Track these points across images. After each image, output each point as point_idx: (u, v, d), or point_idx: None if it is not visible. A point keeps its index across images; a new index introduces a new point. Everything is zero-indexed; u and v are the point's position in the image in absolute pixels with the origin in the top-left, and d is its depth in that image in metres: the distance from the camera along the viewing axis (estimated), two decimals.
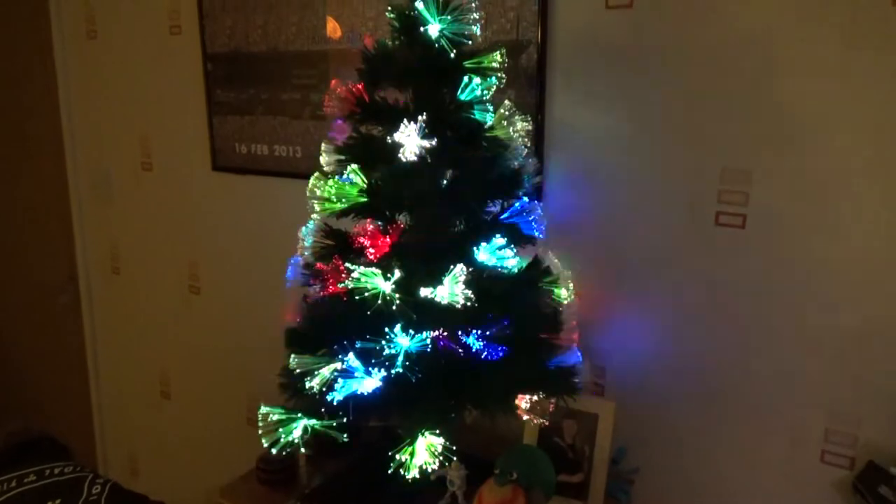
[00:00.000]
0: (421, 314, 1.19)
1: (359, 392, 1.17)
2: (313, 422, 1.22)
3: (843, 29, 1.26)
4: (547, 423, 1.34)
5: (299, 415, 1.22)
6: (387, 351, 1.17)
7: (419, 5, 1.20)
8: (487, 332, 1.21)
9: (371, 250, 1.25)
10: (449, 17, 1.21)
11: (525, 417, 1.29)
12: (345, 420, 1.21)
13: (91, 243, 2.72)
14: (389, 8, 1.27)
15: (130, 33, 2.33)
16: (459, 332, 1.21)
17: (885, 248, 1.29)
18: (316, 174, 1.31)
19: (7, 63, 2.78)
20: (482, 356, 1.22)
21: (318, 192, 1.28)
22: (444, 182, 1.27)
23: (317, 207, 1.29)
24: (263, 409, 1.23)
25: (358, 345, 1.19)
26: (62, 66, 2.57)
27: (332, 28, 1.85)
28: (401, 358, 1.16)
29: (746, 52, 1.35)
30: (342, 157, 1.30)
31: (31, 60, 2.66)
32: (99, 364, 2.85)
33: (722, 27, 1.37)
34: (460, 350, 1.19)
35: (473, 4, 1.23)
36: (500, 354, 1.23)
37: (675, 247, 1.50)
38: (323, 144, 1.33)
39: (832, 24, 1.27)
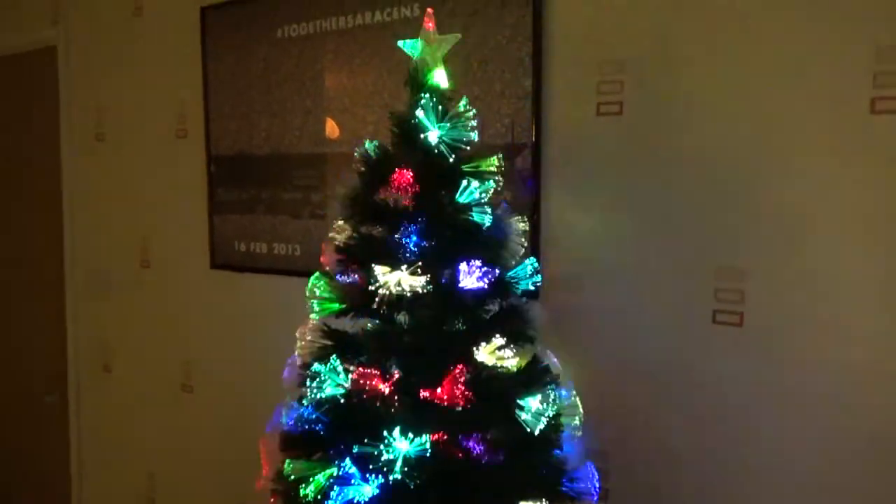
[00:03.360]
0: (420, 416, 1.16)
1: (355, 500, 1.13)
2: None
3: (826, 133, 1.31)
4: None
5: None
6: (385, 456, 1.14)
7: (419, 112, 1.26)
8: (488, 435, 1.18)
9: (369, 350, 1.24)
10: (447, 124, 1.26)
11: None
12: None
13: (84, 340, 2.69)
14: (390, 114, 1.32)
15: (138, 136, 2.41)
16: (459, 435, 1.18)
17: (886, 345, 1.29)
18: (316, 273, 1.32)
19: (15, 161, 2.85)
20: (482, 460, 1.19)
21: (318, 292, 1.29)
22: (444, 281, 1.28)
23: (316, 307, 1.29)
24: None
25: (355, 449, 1.15)
26: (68, 166, 2.63)
27: (331, 128, 1.92)
28: (399, 463, 1.13)
29: (735, 157, 1.40)
30: (342, 257, 1.31)
31: (39, 159, 2.73)
32: (83, 465, 2.74)
33: (709, 133, 1.43)
34: (460, 454, 1.16)
35: (471, 112, 1.28)
36: (501, 458, 1.20)
37: (673, 345, 1.49)
38: (324, 244, 1.34)
39: (816, 129, 1.32)
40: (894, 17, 1.25)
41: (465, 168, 1.28)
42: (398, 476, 1.13)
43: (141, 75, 2.38)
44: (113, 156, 2.50)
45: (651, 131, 1.49)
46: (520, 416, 1.23)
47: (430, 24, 1.31)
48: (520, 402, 1.23)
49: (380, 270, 1.23)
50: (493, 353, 1.25)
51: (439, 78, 1.31)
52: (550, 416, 1.27)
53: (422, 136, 1.26)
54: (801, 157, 1.34)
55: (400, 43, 1.34)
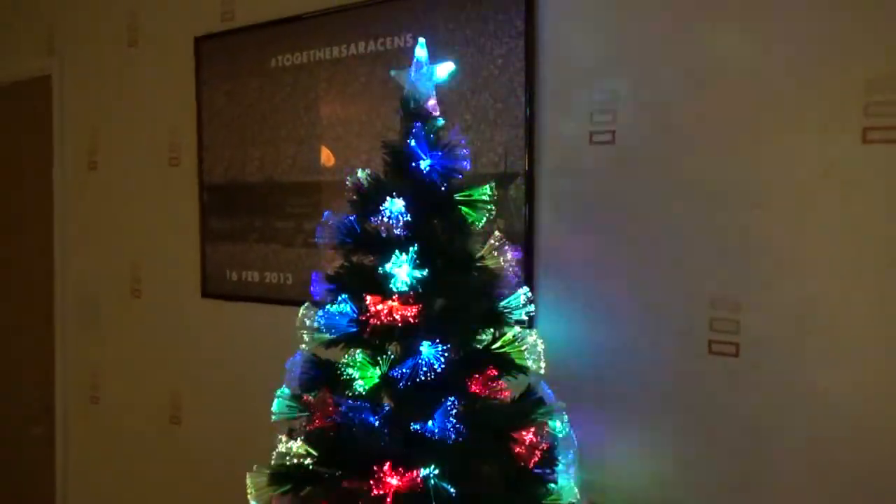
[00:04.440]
0: (412, 449, 1.14)
1: None
2: None
3: (819, 163, 1.31)
4: None
5: None
6: (375, 491, 1.11)
7: (411, 141, 1.25)
8: (481, 469, 1.15)
9: (360, 382, 1.21)
10: (440, 153, 1.26)
11: None
12: None
13: (72, 371, 2.64)
14: (383, 143, 1.32)
15: (131, 165, 2.40)
16: (451, 469, 1.16)
17: (879, 375, 1.27)
18: (306, 303, 1.30)
19: (7, 188, 2.84)
20: (476, 495, 1.16)
21: (308, 322, 1.27)
22: (435, 311, 1.26)
23: (306, 337, 1.27)
24: None
25: (345, 484, 1.12)
26: (60, 195, 2.62)
27: (326, 156, 1.91)
28: (390, 499, 1.10)
29: (728, 185, 1.40)
30: (332, 287, 1.30)
31: (32, 187, 2.72)
32: (68, 499, 2.68)
33: (702, 163, 1.42)
34: (453, 490, 1.13)
35: (463, 140, 1.28)
36: (494, 493, 1.17)
37: (669, 376, 1.47)
38: (315, 273, 1.33)
39: (810, 158, 1.32)
40: (883, 49, 1.26)
41: (458, 197, 1.28)
42: None
43: (135, 104, 2.38)
44: (105, 184, 2.49)
45: (644, 160, 1.49)
46: (514, 450, 1.20)
47: (422, 54, 1.31)
48: (514, 434, 1.21)
49: (371, 300, 1.21)
50: (487, 385, 1.23)
51: (432, 107, 1.31)
52: (545, 449, 1.25)
53: (414, 164, 1.25)
54: (795, 186, 1.34)
55: (393, 72, 1.34)
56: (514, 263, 1.31)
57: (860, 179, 1.28)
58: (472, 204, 1.28)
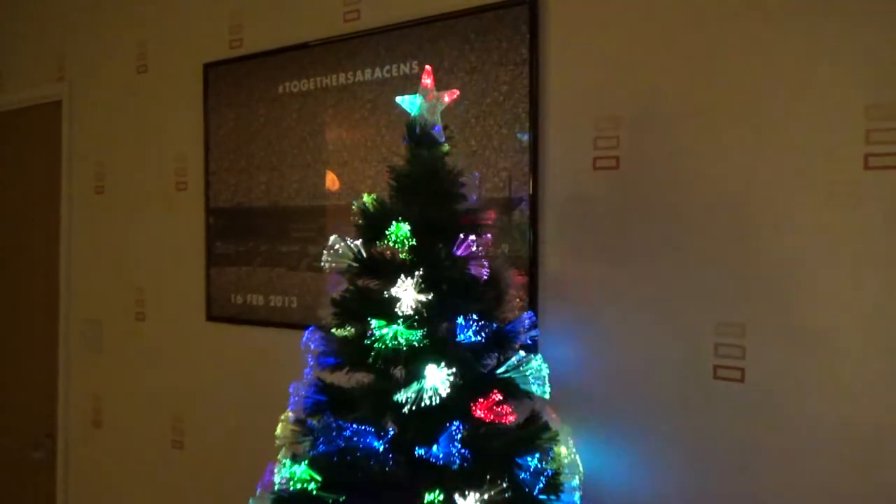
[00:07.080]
0: (416, 475, 1.13)
1: None
2: None
3: (821, 189, 1.32)
4: None
5: None
6: None
7: (417, 166, 1.26)
8: (485, 495, 1.15)
9: (364, 407, 1.21)
10: (445, 178, 1.27)
11: None
12: None
13: (74, 394, 2.64)
14: (388, 167, 1.33)
15: (137, 188, 2.43)
16: (456, 496, 1.15)
17: (885, 399, 1.26)
18: (311, 327, 1.30)
19: (14, 212, 2.86)
20: None
21: (313, 346, 1.27)
22: (440, 336, 1.26)
23: (311, 361, 1.27)
24: None
25: None
26: (67, 219, 2.64)
27: (331, 180, 1.93)
28: None
29: (731, 211, 1.41)
30: (338, 311, 1.30)
31: (39, 211, 2.74)
32: None
33: (706, 188, 1.44)
34: None
35: (468, 166, 1.30)
36: None
37: (674, 401, 1.47)
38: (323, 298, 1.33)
39: (812, 185, 1.33)
40: (885, 75, 1.27)
41: (463, 222, 1.28)
42: None
43: (143, 129, 2.41)
44: (112, 208, 2.51)
45: (648, 186, 1.50)
46: (518, 475, 1.20)
47: (428, 81, 1.33)
48: (518, 460, 1.20)
49: (376, 324, 1.21)
50: (491, 410, 1.22)
51: (437, 133, 1.32)
52: (550, 474, 1.24)
53: (419, 189, 1.26)
54: (798, 212, 1.35)
55: (398, 99, 1.36)
56: (518, 287, 1.31)
57: (862, 204, 1.29)
58: (477, 228, 1.29)
